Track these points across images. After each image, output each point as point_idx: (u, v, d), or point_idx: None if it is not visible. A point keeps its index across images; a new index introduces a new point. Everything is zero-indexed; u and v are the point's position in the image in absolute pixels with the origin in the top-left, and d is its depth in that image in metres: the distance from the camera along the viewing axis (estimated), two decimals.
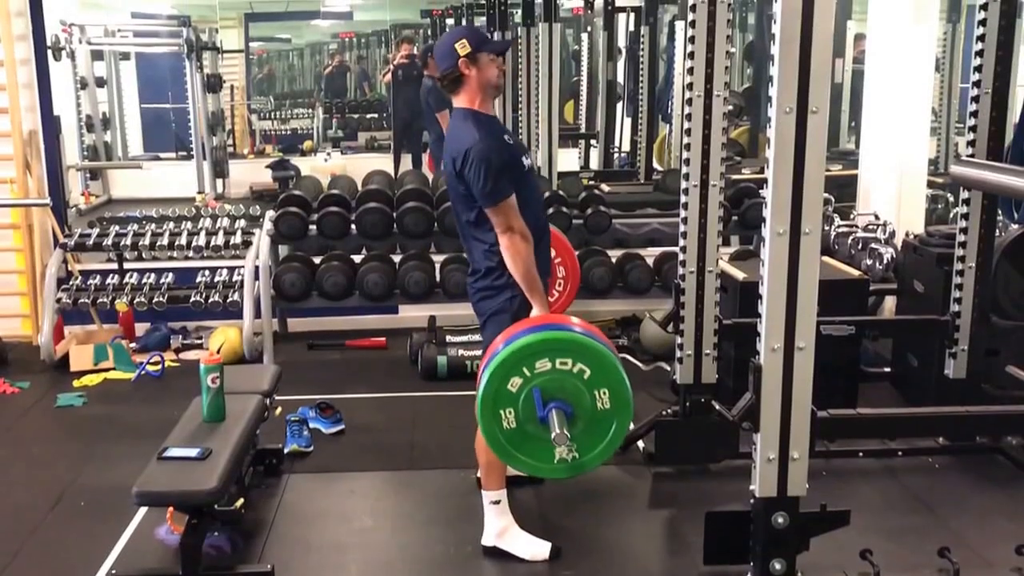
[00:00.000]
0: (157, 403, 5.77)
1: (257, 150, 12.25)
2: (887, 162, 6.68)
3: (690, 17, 4.41)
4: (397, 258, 6.86)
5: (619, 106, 10.54)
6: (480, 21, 10.16)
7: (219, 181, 10.75)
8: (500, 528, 4.03)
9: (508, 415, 3.38)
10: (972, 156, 4.63)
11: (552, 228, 4.68)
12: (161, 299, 6.51)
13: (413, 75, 11.01)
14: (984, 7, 4.58)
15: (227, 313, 6.54)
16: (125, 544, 4.18)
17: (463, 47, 3.85)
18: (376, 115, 12.89)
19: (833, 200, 6.84)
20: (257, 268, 6.52)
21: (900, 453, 4.94)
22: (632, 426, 5.18)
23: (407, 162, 10.80)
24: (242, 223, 6.92)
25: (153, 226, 6.85)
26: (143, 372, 6.33)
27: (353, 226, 6.66)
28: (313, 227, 6.68)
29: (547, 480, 4.66)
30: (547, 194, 7.05)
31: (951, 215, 7.13)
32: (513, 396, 3.37)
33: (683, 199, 4.60)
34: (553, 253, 4.80)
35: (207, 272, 6.71)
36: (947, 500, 4.54)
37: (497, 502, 4.03)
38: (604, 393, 3.40)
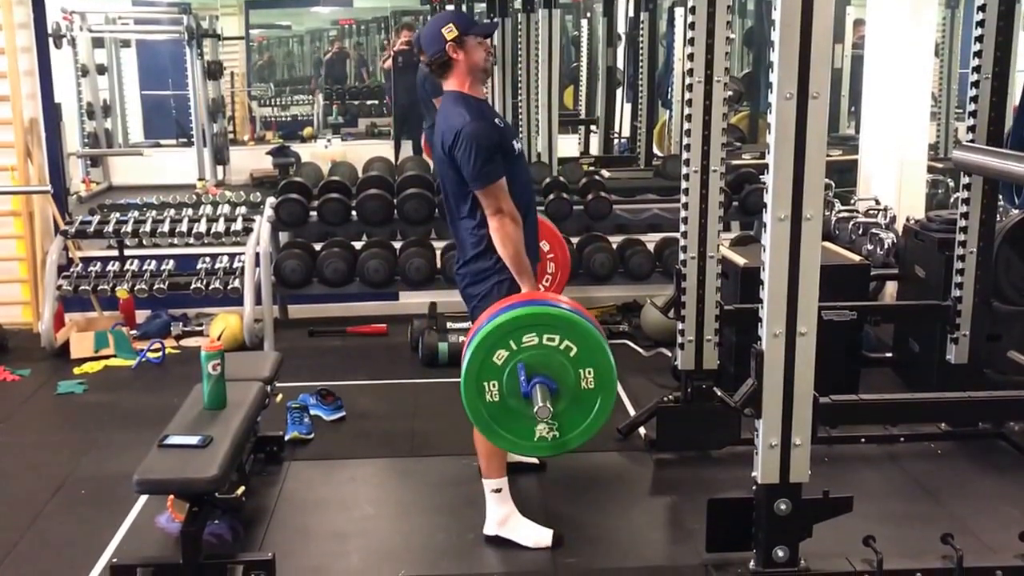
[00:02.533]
0: (158, 390, 5.77)
1: (257, 137, 12.21)
2: (887, 147, 6.67)
3: (690, 3, 4.40)
4: (398, 244, 6.85)
5: (619, 92, 10.51)
6: (480, 8, 10.13)
7: (219, 168, 10.72)
8: (502, 516, 4.03)
9: (492, 388, 3.37)
10: (972, 141, 4.62)
11: (543, 219, 4.69)
12: (162, 286, 6.51)
13: (413, 61, 10.96)
14: None
15: (228, 300, 6.54)
16: (126, 532, 4.19)
17: (450, 31, 3.86)
18: (376, 101, 12.86)
19: (833, 185, 6.83)
20: (258, 255, 6.51)
21: (902, 439, 4.93)
22: (633, 412, 5.21)
23: (407, 148, 10.77)
24: (243, 210, 6.92)
25: (154, 213, 6.84)
26: (144, 359, 6.33)
27: (354, 213, 6.66)
28: (314, 214, 6.68)
29: (549, 467, 4.67)
30: (547, 180, 7.05)
31: (951, 200, 7.11)
32: (498, 369, 3.35)
33: (684, 185, 4.60)
34: (546, 246, 4.83)
35: (208, 259, 6.70)
36: (949, 486, 4.55)
37: (498, 490, 4.03)
38: (589, 372, 3.39)
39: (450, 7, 11.40)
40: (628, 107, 10.36)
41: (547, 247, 4.92)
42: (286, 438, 5.00)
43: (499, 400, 3.39)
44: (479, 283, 3.93)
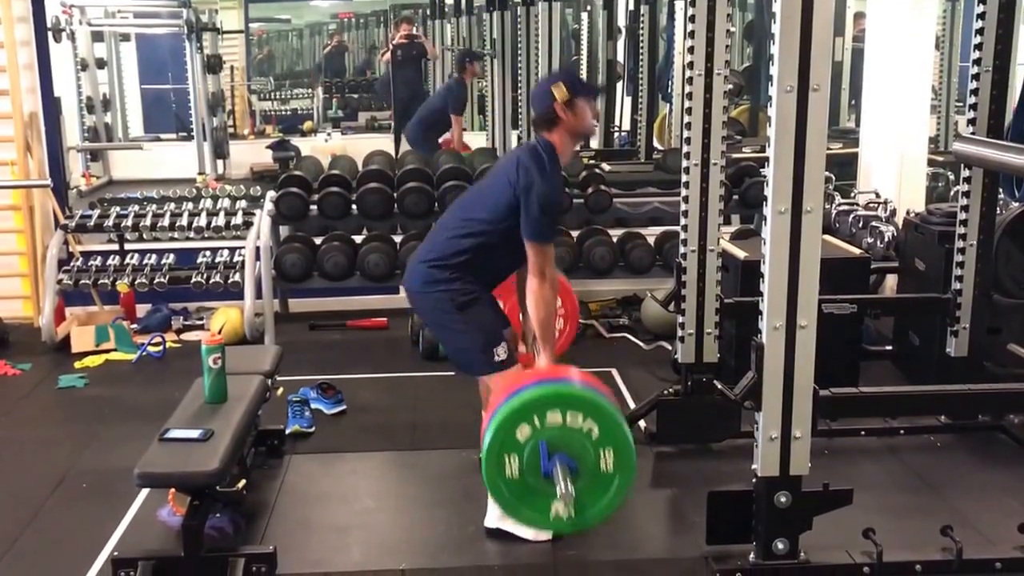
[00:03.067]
0: (158, 384, 5.77)
1: (257, 131, 12.22)
2: (888, 140, 6.68)
3: None
4: (398, 238, 6.85)
5: (619, 85, 10.50)
6: (479, 1, 10.12)
7: (219, 162, 10.72)
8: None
9: (512, 463, 3.37)
10: (973, 134, 4.62)
11: (560, 276, 4.73)
12: (162, 280, 6.51)
13: (412, 55, 10.98)
14: None
15: (228, 294, 6.54)
16: (127, 526, 4.19)
17: (560, 91, 3.90)
18: (376, 95, 12.85)
19: (834, 179, 6.83)
20: (258, 249, 6.51)
21: (902, 432, 4.94)
22: (633, 405, 5.22)
23: (407, 142, 10.77)
24: (243, 204, 6.92)
25: (154, 207, 6.84)
26: (144, 353, 6.33)
27: (354, 206, 6.65)
28: (314, 207, 6.67)
29: None
30: None
31: (952, 193, 7.12)
32: (520, 445, 3.36)
33: (684, 178, 4.60)
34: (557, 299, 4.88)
35: (208, 253, 6.71)
36: (949, 478, 4.55)
37: None
38: (609, 453, 3.39)
39: (449, 0, 11.43)
40: (628, 100, 10.35)
41: (557, 300, 4.96)
42: (287, 432, 5.01)
43: (519, 476, 3.38)
44: (430, 293, 3.96)
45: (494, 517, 4.03)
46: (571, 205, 6.77)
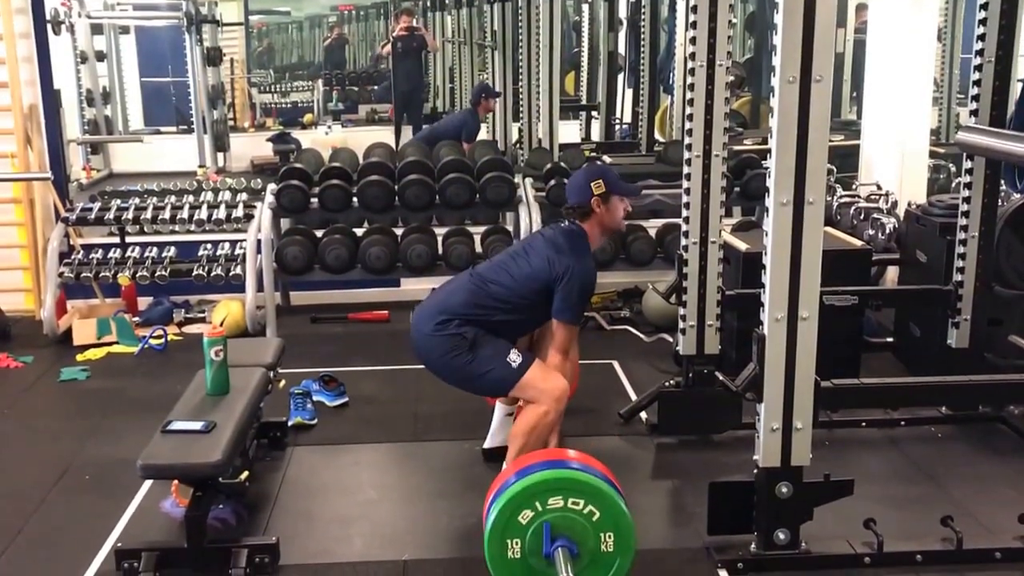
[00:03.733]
0: (160, 377, 5.78)
1: (258, 123, 12.22)
2: (889, 132, 6.67)
3: None
4: (399, 231, 6.85)
5: (620, 77, 10.50)
6: None
7: (220, 155, 10.72)
8: None
9: (514, 545, 3.40)
10: (976, 125, 4.62)
11: None
12: (163, 273, 6.51)
13: (413, 47, 10.98)
14: None
15: (229, 287, 6.54)
16: (130, 517, 4.20)
17: (598, 187, 4.19)
18: (376, 87, 12.85)
19: (835, 170, 6.83)
20: (259, 241, 6.50)
21: (903, 423, 4.95)
22: (635, 397, 5.22)
23: (408, 134, 10.77)
24: (243, 196, 6.92)
25: (155, 200, 6.83)
26: (146, 346, 6.34)
27: (355, 199, 6.64)
28: (315, 200, 6.66)
29: None
30: (548, 166, 7.05)
31: (953, 185, 7.11)
32: (522, 528, 3.38)
33: (686, 170, 4.60)
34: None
35: (209, 245, 6.70)
36: (950, 469, 4.56)
37: None
38: (609, 536, 3.41)
39: None
40: (630, 93, 10.35)
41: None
42: (289, 424, 5.01)
43: (520, 558, 3.40)
44: (440, 331, 4.19)
45: None
46: None
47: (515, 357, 4.05)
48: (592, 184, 4.17)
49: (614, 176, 4.33)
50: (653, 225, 7.08)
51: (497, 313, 4.12)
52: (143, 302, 6.99)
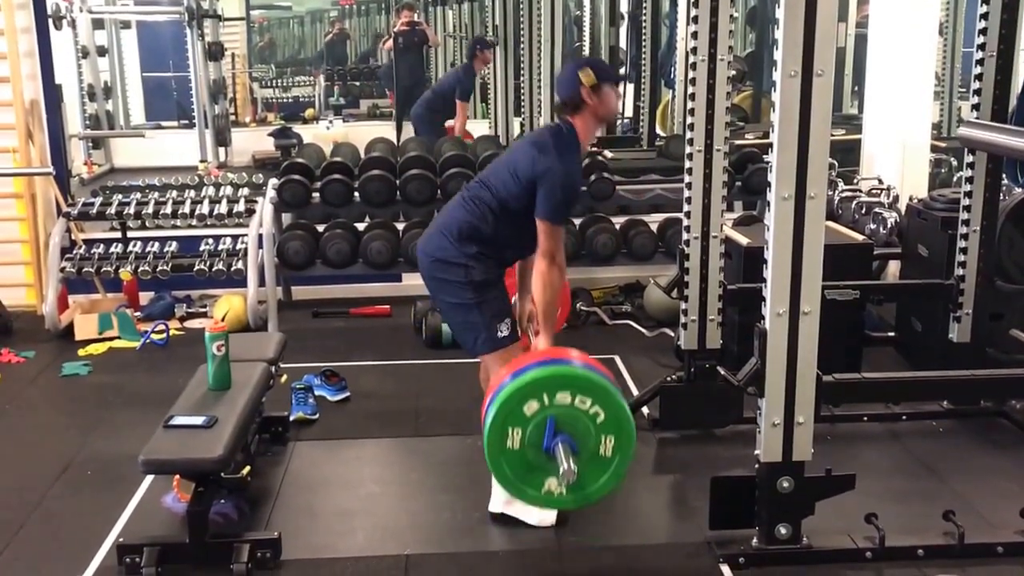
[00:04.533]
0: (162, 371, 5.79)
1: (259, 118, 12.21)
2: (891, 126, 6.66)
3: None
4: (401, 226, 6.85)
5: (621, 72, 10.48)
6: None
7: (221, 149, 10.69)
8: (507, 495, 4.04)
9: (515, 435, 3.38)
10: (977, 119, 4.61)
11: None
12: (165, 268, 6.51)
13: (414, 42, 10.96)
14: None
15: (231, 281, 6.54)
16: (132, 512, 4.20)
17: (588, 77, 3.92)
18: (378, 82, 12.84)
19: (837, 165, 6.82)
20: (261, 236, 6.50)
21: (904, 417, 4.95)
22: (636, 392, 5.23)
23: (409, 129, 10.76)
24: (245, 191, 6.91)
25: (156, 195, 6.84)
26: (148, 341, 6.34)
27: (356, 194, 6.65)
28: (316, 195, 6.67)
29: None
30: None
31: (955, 179, 7.11)
32: (526, 419, 3.36)
33: (687, 164, 4.60)
34: None
35: (211, 240, 6.71)
36: (951, 464, 4.56)
37: None
38: (610, 440, 3.40)
39: None
40: (631, 87, 10.34)
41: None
42: (291, 418, 5.02)
43: (518, 449, 3.39)
44: (447, 269, 3.98)
45: (499, 502, 4.05)
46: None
47: (505, 329, 3.94)
48: (581, 74, 3.94)
49: (603, 64, 4.18)
50: (654, 219, 7.09)
51: (494, 223, 3.95)
52: (145, 297, 6.99)
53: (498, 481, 3.52)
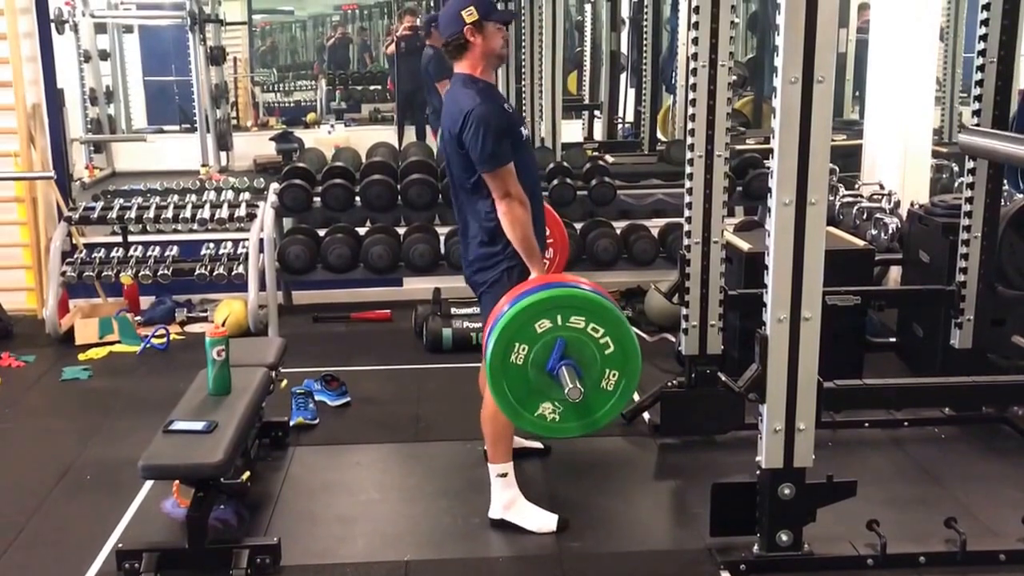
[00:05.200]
0: (162, 376, 5.78)
1: (260, 123, 12.20)
2: (891, 132, 6.66)
3: None
4: (401, 230, 6.85)
5: (623, 77, 10.50)
6: None
7: (223, 154, 10.70)
8: (507, 500, 4.04)
9: (520, 350, 3.36)
10: (977, 125, 4.61)
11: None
12: (166, 272, 6.51)
13: (416, 47, 10.94)
14: None
15: (232, 286, 6.55)
16: (131, 518, 4.20)
17: (470, 14, 3.84)
18: (379, 87, 12.84)
19: (838, 170, 6.82)
20: (261, 241, 6.50)
21: (906, 424, 4.94)
22: (637, 397, 5.21)
23: (411, 134, 10.76)
24: (246, 196, 6.92)
25: (157, 199, 6.84)
26: (148, 345, 6.34)
27: (357, 198, 6.65)
28: (317, 199, 6.67)
29: (553, 453, 4.68)
30: (551, 165, 7.05)
31: (956, 185, 7.11)
32: (534, 336, 3.34)
33: (688, 170, 4.59)
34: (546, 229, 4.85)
35: (211, 245, 6.71)
36: (953, 470, 4.55)
37: (504, 475, 4.03)
38: (613, 375, 3.39)
39: None
40: (632, 92, 10.35)
41: (547, 231, 4.92)
42: (291, 423, 5.01)
43: (521, 364, 3.37)
44: (488, 269, 3.94)
45: (499, 508, 4.04)
46: (574, 197, 6.76)
47: None
48: (464, 12, 3.84)
49: (487, 3, 4.03)
50: (655, 225, 7.09)
51: (485, 204, 3.90)
52: (145, 301, 6.99)
53: (495, 398, 3.49)
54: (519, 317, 3.34)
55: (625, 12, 10.53)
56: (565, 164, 7.10)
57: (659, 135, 9.60)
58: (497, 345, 3.36)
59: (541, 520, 4.02)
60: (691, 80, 4.50)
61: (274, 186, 6.76)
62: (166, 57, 12.11)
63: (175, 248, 6.72)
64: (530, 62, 8.03)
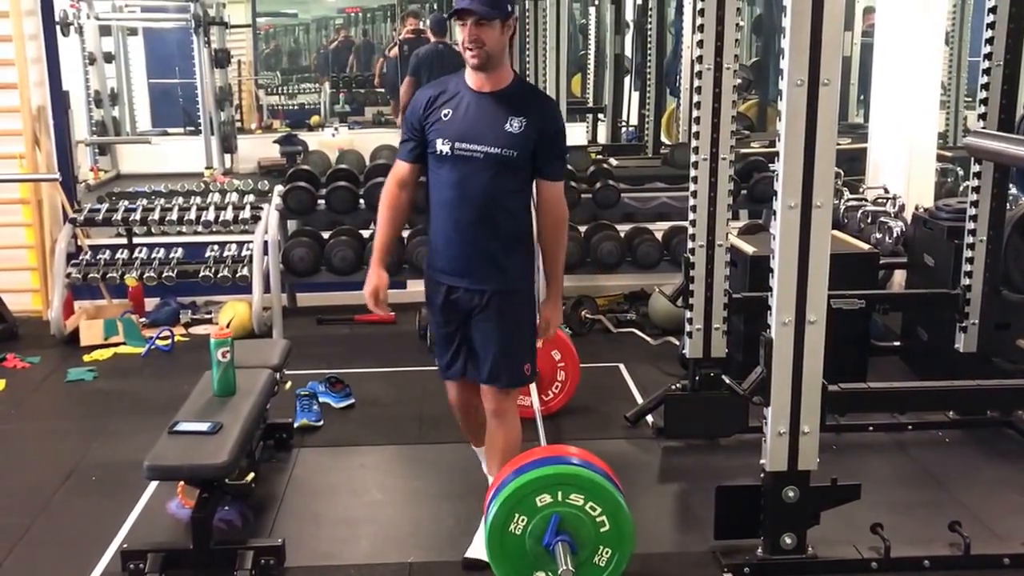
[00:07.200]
0: (167, 378, 5.79)
1: (265, 125, 12.22)
2: (897, 135, 6.66)
3: None
4: (405, 233, 6.85)
5: (627, 80, 10.50)
6: None
7: (227, 156, 10.72)
8: None
9: (519, 521, 3.40)
10: (984, 129, 4.61)
11: (560, 331, 4.85)
12: (170, 274, 6.52)
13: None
14: None
15: (236, 288, 6.55)
16: (136, 518, 4.20)
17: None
18: (383, 90, 12.86)
19: (842, 174, 6.82)
20: (266, 243, 6.51)
21: (910, 427, 4.94)
22: (641, 400, 5.22)
23: None
24: (251, 198, 6.92)
25: (162, 201, 6.85)
26: (153, 347, 6.34)
27: (361, 201, 6.66)
28: (322, 202, 6.68)
29: None
30: None
31: (961, 189, 7.10)
32: (534, 509, 3.39)
33: (692, 173, 4.59)
34: (558, 355, 5.05)
35: (216, 247, 6.71)
36: (957, 474, 4.54)
37: None
38: (607, 552, 3.43)
39: None
40: (636, 95, 10.35)
41: (559, 356, 5.08)
42: (295, 425, 5.01)
43: (519, 535, 3.41)
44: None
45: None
46: (579, 200, 6.75)
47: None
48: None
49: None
50: (659, 228, 7.08)
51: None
52: (150, 303, 7.00)
53: (490, 560, 3.51)
54: (522, 489, 3.40)
55: (629, 15, 10.53)
56: (569, 167, 7.09)
57: (663, 138, 9.60)
58: (498, 515, 3.42)
59: None
60: (695, 83, 4.51)
61: (278, 188, 6.76)
62: (170, 60, 12.12)
63: (180, 250, 6.72)
64: (534, 64, 8.02)
